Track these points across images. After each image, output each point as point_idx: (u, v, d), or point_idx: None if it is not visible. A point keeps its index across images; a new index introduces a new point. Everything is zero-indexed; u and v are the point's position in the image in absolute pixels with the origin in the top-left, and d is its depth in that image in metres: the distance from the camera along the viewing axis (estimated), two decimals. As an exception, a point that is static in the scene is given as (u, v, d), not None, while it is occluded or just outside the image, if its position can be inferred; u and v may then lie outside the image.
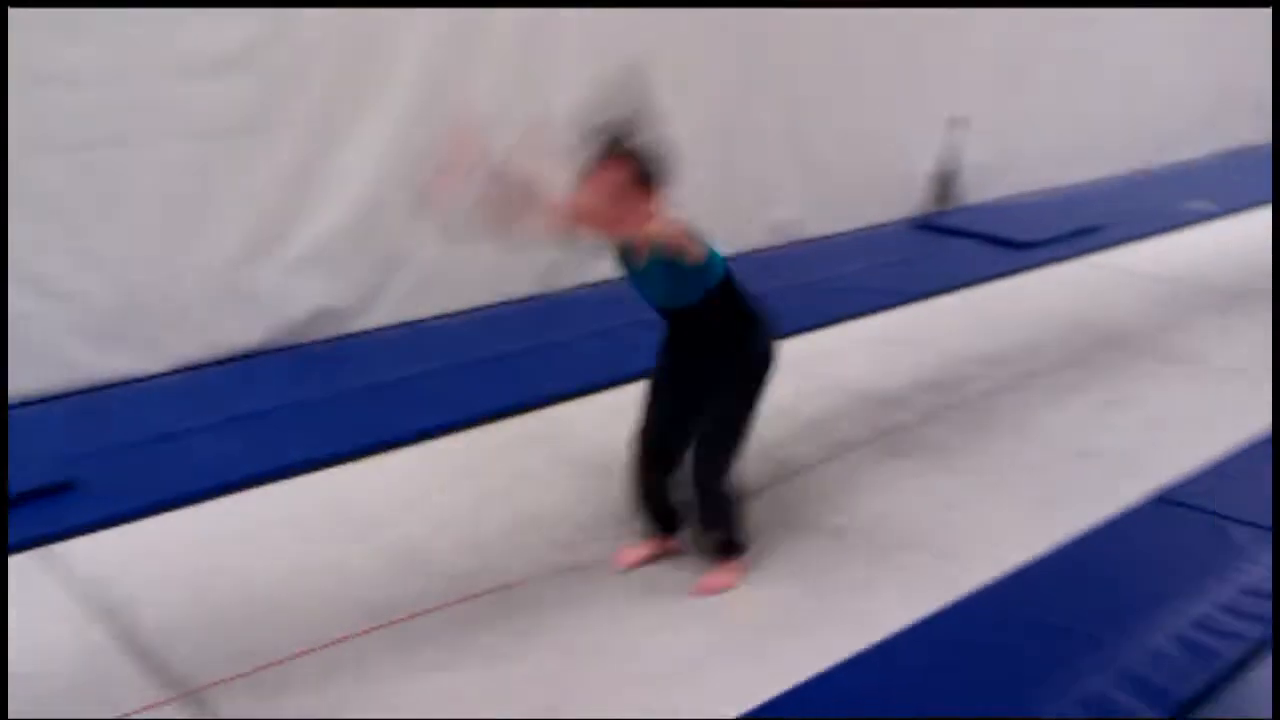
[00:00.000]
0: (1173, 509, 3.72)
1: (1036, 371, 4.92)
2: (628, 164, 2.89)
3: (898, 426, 4.41)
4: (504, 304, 5.40)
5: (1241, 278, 6.29)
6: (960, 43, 7.05)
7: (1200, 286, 6.11)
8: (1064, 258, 6.52)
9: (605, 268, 5.70)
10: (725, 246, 6.69)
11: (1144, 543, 3.55)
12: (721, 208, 6.20)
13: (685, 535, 3.48)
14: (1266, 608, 3.18)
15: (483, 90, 5.13)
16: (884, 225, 6.90)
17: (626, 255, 3.06)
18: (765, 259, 6.20)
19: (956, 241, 6.78)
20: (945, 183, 7.30)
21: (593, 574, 3.44)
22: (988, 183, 7.47)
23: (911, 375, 4.85)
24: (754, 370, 3.21)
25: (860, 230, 6.64)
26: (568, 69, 5.38)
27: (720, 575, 3.39)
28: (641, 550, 3.50)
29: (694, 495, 3.33)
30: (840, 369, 4.85)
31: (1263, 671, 2.98)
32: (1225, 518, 3.64)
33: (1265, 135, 9.54)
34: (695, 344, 3.18)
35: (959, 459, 4.17)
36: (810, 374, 4.77)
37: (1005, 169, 7.52)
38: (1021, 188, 7.60)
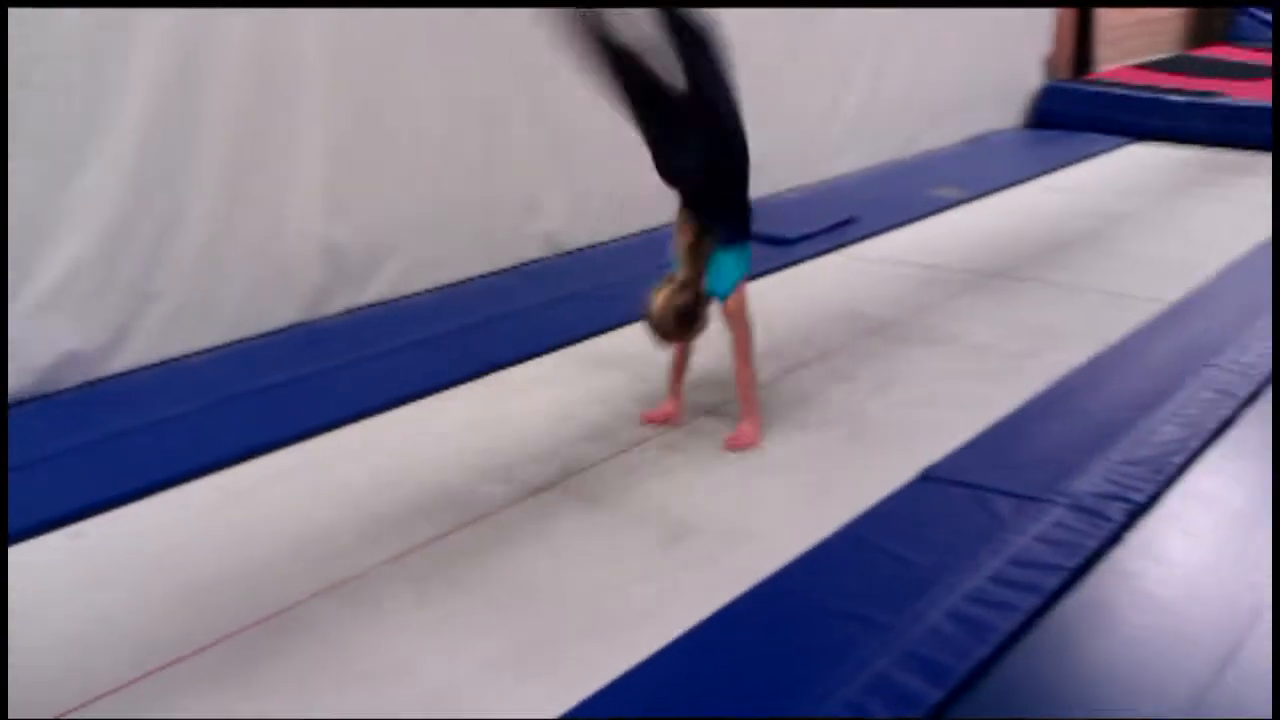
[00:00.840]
0: (938, 485, 3.85)
1: (807, 361, 5.04)
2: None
3: (675, 423, 4.45)
4: (266, 335, 5.20)
5: (985, 258, 6.58)
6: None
7: (950, 269, 6.36)
8: (826, 250, 6.68)
9: (374, 292, 5.63)
10: (494, 261, 6.50)
11: (915, 520, 3.65)
12: (489, 222, 6.14)
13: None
14: (1034, 576, 3.30)
15: (222, 102, 4.93)
16: (650, 230, 6.93)
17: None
18: (537, 270, 6.19)
19: (721, 241, 6.86)
20: (707, 184, 7.38)
21: (372, 582, 3.39)
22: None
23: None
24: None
25: (626, 237, 6.69)
26: (310, 76, 5.22)
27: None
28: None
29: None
30: (615, 373, 4.87)
31: (1040, 636, 3.09)
32: (988, 490, 3.78)
33: (1008, 121, 10.04)
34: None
35: (736, 449, 4.26)
36: (587, 381, 4.81)
37: (764, 167, 7.65)
38: (781, 185, 7.76)
